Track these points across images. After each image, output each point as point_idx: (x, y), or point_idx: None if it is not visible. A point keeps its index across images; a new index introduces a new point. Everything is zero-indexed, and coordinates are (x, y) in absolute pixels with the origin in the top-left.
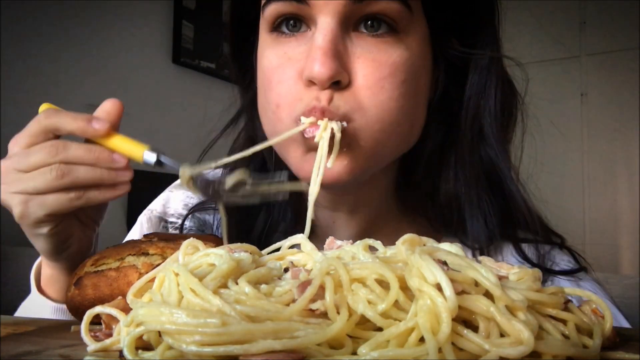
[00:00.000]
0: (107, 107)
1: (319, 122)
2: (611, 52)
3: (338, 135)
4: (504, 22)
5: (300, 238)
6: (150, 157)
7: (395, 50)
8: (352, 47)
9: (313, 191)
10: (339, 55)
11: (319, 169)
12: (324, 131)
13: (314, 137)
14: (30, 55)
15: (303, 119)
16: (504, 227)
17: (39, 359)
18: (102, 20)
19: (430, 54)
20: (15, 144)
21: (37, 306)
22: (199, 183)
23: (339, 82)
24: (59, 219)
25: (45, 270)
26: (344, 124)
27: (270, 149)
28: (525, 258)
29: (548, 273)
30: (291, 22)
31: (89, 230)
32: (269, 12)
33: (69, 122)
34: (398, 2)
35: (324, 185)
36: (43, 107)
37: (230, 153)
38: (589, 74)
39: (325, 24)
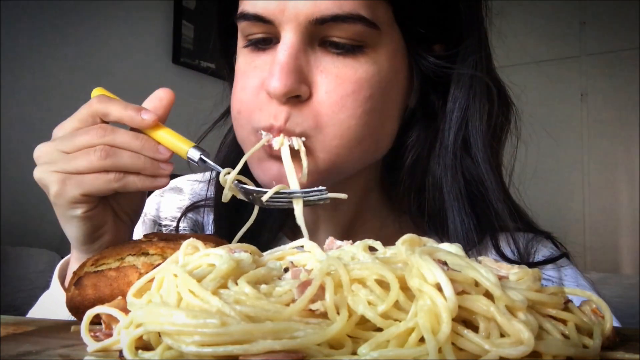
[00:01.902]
0: (160, 94)
1: (275, 139)
2: (611, 52)
3: (302, 149)
4: (504, 22)
5: (304, 241)
6: (195, 155)
7: (362, 65)
8: (316, 61)
9: (298, 211)
10: (299, 70)
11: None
12: (281, 146)
13: (272, 147)
14: (30, 54)
15: (264, 133)
16: (484, 237)
17: (39, 359)
18: (102, 20)
19: (405, 66)
20: (61, 129)
21: (60, 305)
22: (240, 189)
23: (298, 96)
24: (94, 201)
25: (74, 266)
26: (303, 139)
27: None
28: (505, 258)
29: (531, 266)
30: (262, 41)
31: (123, 225)
32: (241, 27)
33: (120, 109)
34: (361, 23)
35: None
36: (96, 92)
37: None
38: (589, 74)
39: (287, 39)
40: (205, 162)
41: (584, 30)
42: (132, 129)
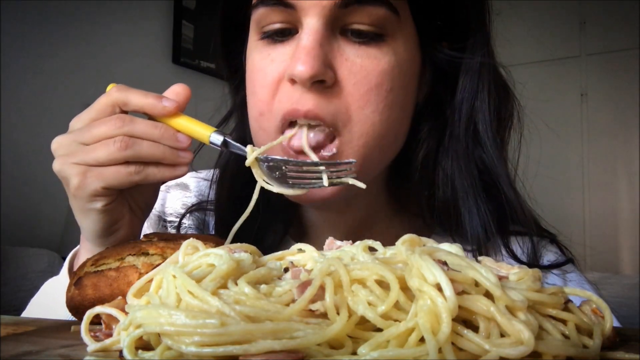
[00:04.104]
0: (177, 89)
1: (289, 129)
2: (611, 52)
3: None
4: (504, 22)
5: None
6: (217, 139)
7: (384, 55)
8: (339, 49)
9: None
10: (324, 55)
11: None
12: (301, 128)
13: (297, 147)
14: (30, 54)
15: (288, 132)
16: (498, 228)
17: (39, 359)
18: (102, 20)
19: (419, 57)
20: (79, 121)
21: (63, 294)
22: (265, 165)
23: (323, 82)
24: (114, 194)
25: (84, 258)
26: (334, 150)
27: None
28: (515, 257)
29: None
30: (280, 32)
31: (137, 219)
32: (258, 16)
33: (140, 97)
34: (384, 7)
35: (313, 204)
36: (111, 87)
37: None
38: (589, 74)
39: (311, 24)
40: (228, 145)
41: (584, 30)
42: (150, 119)
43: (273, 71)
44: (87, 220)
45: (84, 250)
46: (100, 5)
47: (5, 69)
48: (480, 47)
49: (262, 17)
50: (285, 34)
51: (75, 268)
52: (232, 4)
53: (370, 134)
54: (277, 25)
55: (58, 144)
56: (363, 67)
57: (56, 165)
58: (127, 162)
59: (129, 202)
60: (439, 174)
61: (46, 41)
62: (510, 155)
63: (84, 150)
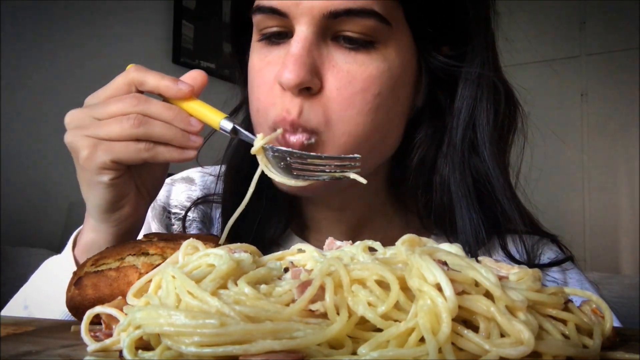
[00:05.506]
0: (193, 74)
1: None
2: (611, 52)
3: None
4: (504, 22)
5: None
6: (227, 125)
7: (373, 61)
8: (329, 55)
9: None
10: (312, 63)
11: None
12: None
13: (287, 143)
14: (30, 54)
15: (279, 130)
16: (493, 232)
17: (39, 359)
18: (102, 20)
19: (414, 63)
20: (94, 97)
21: (63, 270)
22: (271, 154)
23: (310, 89)
24: (122, 169)
25: (88, 235)
26: (312, 140)
27: None
28: (512, 258)
29: (536, 268)
30: (277, 35)
31: (142, 200)
32: (256, 20)
33: (156, 78)
34: (374, 18)
35: (295, 193)
36: (130, 67)
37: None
38: (589, 74)
39: (301, 32)
40: (237, 132)
41: (584, 30)
42: (165, 101)
43: (269, 73)
44: (93, 193)
45: (87, 228)
46: (100, 6)
47: (5, 70)
48: (481, 53)
49: (260, 22)
50: (282, 36)
51: (78, 245)
52: (238, 7)
53: (353, 133)
54: (274, 29)
55: (71, 117)
56: (349, 73)
57: (68, 137)
58: (138, 139)
59: (135, 181)
60: (437, 179)
61: (46, 41)
62: (512, 160)
63: (97, 125)
